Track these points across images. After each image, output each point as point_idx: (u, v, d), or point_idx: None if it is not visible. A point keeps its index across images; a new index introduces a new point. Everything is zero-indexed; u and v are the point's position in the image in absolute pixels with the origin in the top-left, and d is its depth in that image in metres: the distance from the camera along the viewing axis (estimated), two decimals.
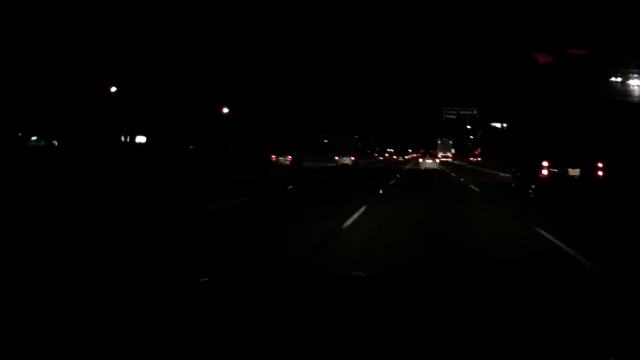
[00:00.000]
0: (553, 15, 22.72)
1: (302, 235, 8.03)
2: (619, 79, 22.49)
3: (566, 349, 1.55)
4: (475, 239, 8.22)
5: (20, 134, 31.87)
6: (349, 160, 46.30)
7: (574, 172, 15.37)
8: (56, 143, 33.55)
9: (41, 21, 25.98)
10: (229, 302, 1.95)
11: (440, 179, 28.85)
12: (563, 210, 12.50)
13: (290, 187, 19.42)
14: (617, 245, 7.33)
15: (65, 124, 30.45)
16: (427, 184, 23.79)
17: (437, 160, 55.20)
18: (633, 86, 22.17)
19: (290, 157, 44.25)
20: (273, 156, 44.08)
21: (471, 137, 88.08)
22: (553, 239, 7.88)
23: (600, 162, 15.35)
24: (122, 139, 36.53)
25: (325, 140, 70.02)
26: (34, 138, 35.03)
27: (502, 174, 30.72)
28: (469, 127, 78.75)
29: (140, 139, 37.61)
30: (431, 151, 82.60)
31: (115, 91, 30.37)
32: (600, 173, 15.24)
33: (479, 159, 52.43)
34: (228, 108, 36.79)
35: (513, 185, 19.39)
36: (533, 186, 15.83)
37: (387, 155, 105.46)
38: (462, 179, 27.46)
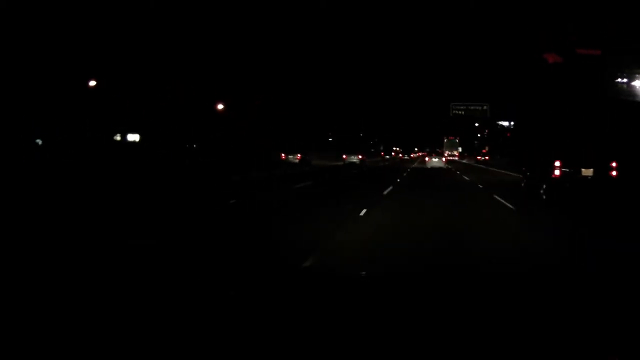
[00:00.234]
0: (560, 14, 22.55)
1: (308, 235, 8.03)
2: (625, 80, 22.28)
3: (566, 349, 1.55)
4: (476, 239, 8.16)
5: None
6: (356, 158, 46.69)
7: (587, 172, 15.22)
8: (40, 142, 31.18)
9: (34, 16, 25.72)
10: (228, 302, 1.95)
11: (446, 177, 28.78)
12: (574, 211, 12.40)
13: (301, 185, 19.42)
14: (625, 246, 7.27)
15: (51, 122, 29.42)
16: (433, 182, 23.75)
17: (444, 159, 55.05)
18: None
19: (299, 155, 44.57)
20: (282, 154, 44.40)
21: (478, 135, 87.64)
22: (558, 239, 7.83)
23: (614, 161, 15.18)
24: (119, 138, 35.83)
25: (330, 139, 70.34)
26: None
27: (510, 173, 30.58)
28: (477, 124, 78.27)
29: (134, 137, 36.63)
30: (437, 150, 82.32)
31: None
32: (614, 173, 15.09)
33: (487, 157, 52.15)
34: (228, 107, 36.77)
35: (523, 184, 19.28)
36: (544, 186, 15.72)
37: (393, 154, 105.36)
38: (467, 178, 27.37)
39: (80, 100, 28.66)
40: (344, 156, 47.43)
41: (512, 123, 40.82)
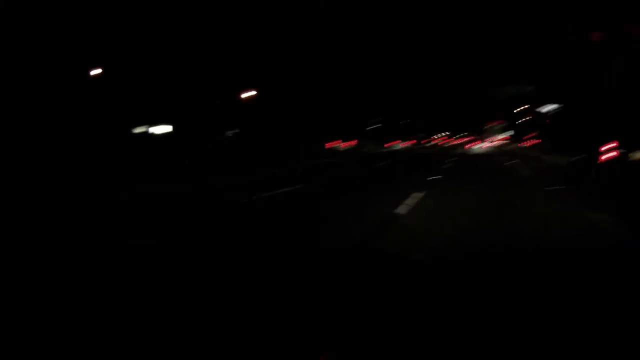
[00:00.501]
0: None
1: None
2: None
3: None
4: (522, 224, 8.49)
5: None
6: (398, 146, 47.07)
7: (637, 155, 15.04)
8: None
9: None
10: (228, 302, 1.98)
11: (490, 163, 28.70)
12: (623, 195, 12.33)
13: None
14: None
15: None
16: (478, 169, 23.90)
17: (487, 144, 54.26)
18: None
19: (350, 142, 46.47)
20: (327, 144, 45.84)
21: (523, 119, 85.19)
22: (606, 223, 8.05)
23: None
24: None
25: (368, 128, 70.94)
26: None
27: (554, 157, 30.09)
28: (521, 108, 76.18)
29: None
30: (481, 135, 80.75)
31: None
32: None
33: (534, 141, 50.62)
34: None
35: (570, 169, 19.09)
36: (593, 170, 15.60)
37: (437, 139, 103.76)
38: (513, 162, 27.21)
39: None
40: (386, 144, 48.10)
41: (552, 108, 39.67)
